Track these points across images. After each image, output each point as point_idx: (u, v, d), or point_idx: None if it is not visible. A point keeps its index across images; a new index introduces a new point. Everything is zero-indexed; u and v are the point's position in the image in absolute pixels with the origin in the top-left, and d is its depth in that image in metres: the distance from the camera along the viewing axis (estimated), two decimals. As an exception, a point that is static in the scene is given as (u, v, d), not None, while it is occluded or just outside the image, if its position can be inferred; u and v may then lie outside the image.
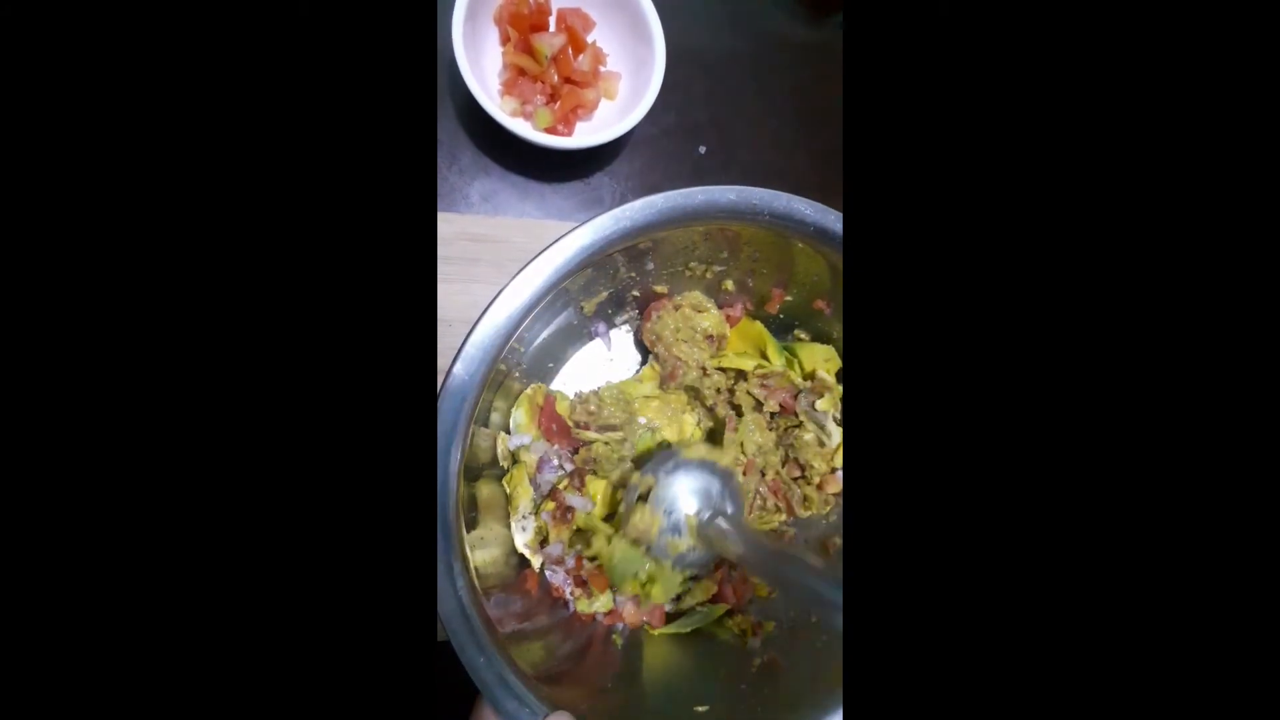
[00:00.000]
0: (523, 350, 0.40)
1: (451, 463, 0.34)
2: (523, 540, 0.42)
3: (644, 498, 0.37)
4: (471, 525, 0.36)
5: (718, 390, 0.46)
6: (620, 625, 0.42)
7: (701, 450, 0.39)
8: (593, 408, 0.42)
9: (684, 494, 0.37)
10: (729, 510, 0.37)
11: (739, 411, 0.46)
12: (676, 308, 0.44)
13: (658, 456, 0.40)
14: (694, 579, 0.42)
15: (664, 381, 0.45)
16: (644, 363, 0.48)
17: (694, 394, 0.46)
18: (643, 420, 0.44)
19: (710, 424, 0.47)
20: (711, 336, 0.44)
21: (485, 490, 0.41)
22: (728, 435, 0.44)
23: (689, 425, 0.46)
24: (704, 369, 0.45)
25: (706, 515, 0.37)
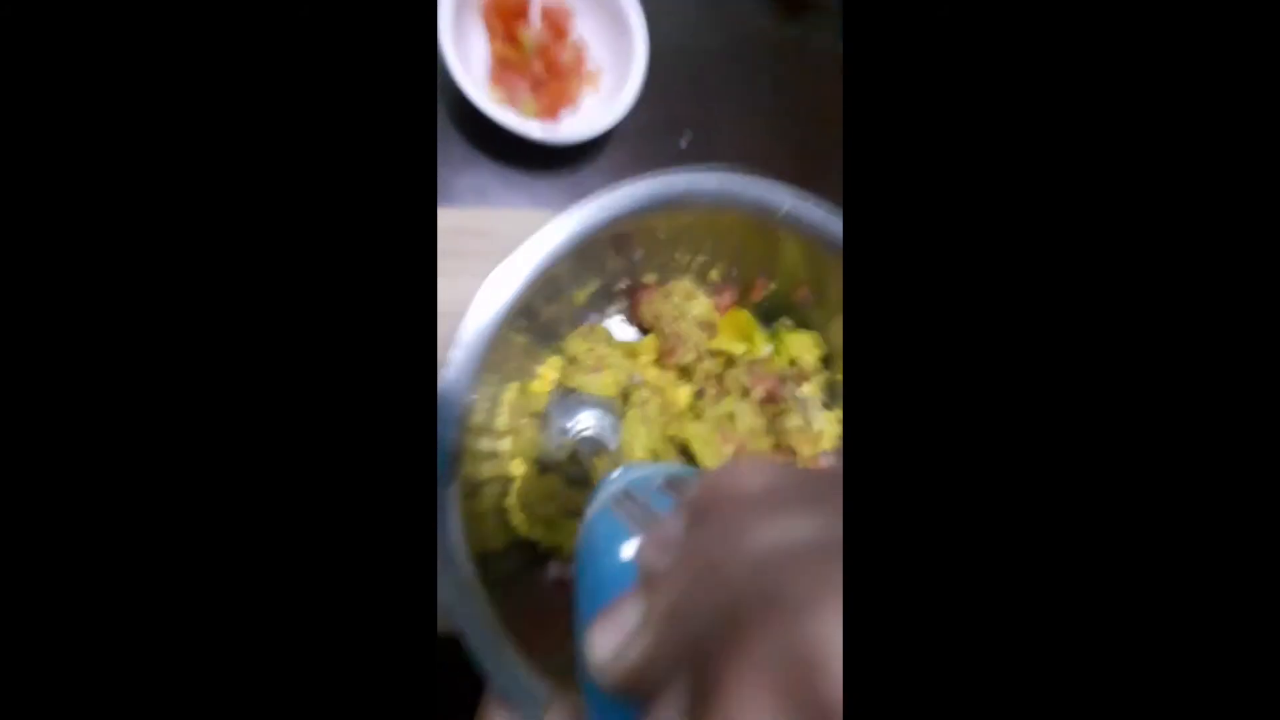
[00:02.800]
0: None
1: (450, 452, 0.34)
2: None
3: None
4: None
5: (707, 376, 0.46)
6: None
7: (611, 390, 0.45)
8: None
9: (578, 420, 0.45)
10: (608, 446, 0.45)
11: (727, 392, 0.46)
12: (666, 295, 0.45)
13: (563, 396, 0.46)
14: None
15: (663, 356, 0.46)
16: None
17: (686, 375, 0.47)
18: (637, 378, 0.46)
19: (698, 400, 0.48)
20: (703, 324, 0.45)
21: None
22: (709, 410, 0.45)
23: (683, 396, 0.47)
24: (700, 353, 0.46)
25: (585, 434, 0.45)
